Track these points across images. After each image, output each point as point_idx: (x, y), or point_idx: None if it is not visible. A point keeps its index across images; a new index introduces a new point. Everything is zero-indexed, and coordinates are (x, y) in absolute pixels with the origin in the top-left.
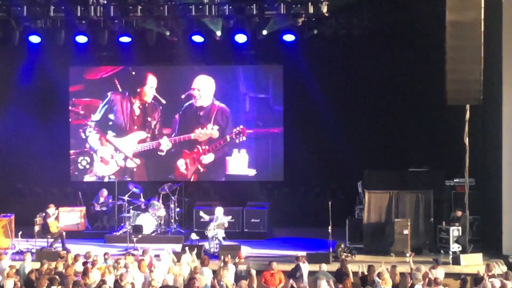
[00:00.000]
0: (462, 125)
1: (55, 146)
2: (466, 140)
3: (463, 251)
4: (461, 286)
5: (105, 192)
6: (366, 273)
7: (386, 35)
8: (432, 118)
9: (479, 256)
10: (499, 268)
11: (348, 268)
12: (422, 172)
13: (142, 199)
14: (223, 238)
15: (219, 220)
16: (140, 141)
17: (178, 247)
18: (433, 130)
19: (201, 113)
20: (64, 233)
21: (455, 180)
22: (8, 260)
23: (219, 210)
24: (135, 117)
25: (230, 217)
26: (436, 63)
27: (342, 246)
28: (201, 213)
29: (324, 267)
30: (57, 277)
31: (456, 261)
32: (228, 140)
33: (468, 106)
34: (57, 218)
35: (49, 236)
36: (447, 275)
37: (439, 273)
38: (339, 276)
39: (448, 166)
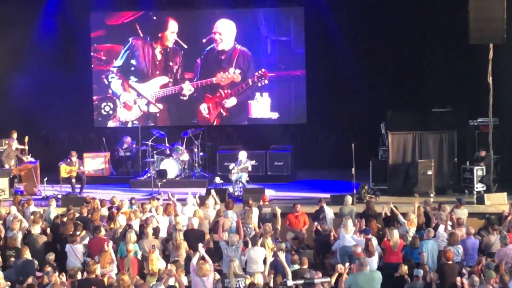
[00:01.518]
0: (486, 65)
1: (78, 92)
2: (490, 80)
3: (487, 190)
4: (485, 225)
5: (128, 138)
6: (389, 214)
7: None
8: (455, 58)
9: (503, 196)
10: None
11: (375, 209)
12: (446, 113)
13: (166, 144)
14: (247, 181)
15: (242, 164)
16: (162, 86)
17: (202, 191)
18: (456, 70)
19: (223, 57)
20: (84, 178)
21: (478, 120)
22: (34, 206)
23: (242, 154)
24: (157, 62)
25: (254, 161)
26: (459, 1)
27: (366, 187)
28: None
29: (349, 206)
30: (81, 222)
31: (481, 200)
32: (250, 83)
33: (491, 45)
34: (74, 164)
35: (74, 182)
36: (472, 214)
37: (462, 213)
38: (365, 217)
39: (471, 106)
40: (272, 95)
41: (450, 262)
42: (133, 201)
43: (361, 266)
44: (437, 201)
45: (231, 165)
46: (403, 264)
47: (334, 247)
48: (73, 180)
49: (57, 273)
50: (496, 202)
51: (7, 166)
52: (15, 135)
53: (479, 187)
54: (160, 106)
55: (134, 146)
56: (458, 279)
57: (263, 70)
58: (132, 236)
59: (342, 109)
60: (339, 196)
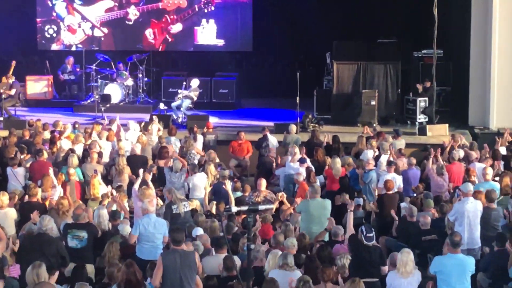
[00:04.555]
0: None
1: (21, 14)
2: (435, 11)
3: (430, 122)
4: (426, 156)
5: (71, 59)
6: (331, 142)
7: None
8: None
9: (445, 127)
10: (464, 138)
11: (320, 138)
12: (390, 43)
13: (111, 68)
14: (189, 108)
15: (190, 91)
16: (108, 9)
17: (146, 117)
18: (402, 1)
19: None
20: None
21: (423, 52)
22: None
23: (194, 82)
24: None
25: (199, 91)
26: None
27: (310, 116)
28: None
29: (293, 135)
30: (24, 145)
31: (423, 131)
32: (197, 9)
33: None
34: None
35: (17, 104)
36: (414, 145)
37: (399, 143)
38: (310, 146)
39: (416, 37)
40: (218, 22)
41: (390, 192)
42: (76, 125)
43: (314, 193)
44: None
45: (180, 91)
46: (344, 193)
47: (277, 172)
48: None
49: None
50: (438, 133)
51: None
52: None
53: (421, 118)
54: (105, 30)
55: (77, 69)
56: (392, 211)
57: None
58: (74, 161)
59: (288, 38)
60: (283, 125)
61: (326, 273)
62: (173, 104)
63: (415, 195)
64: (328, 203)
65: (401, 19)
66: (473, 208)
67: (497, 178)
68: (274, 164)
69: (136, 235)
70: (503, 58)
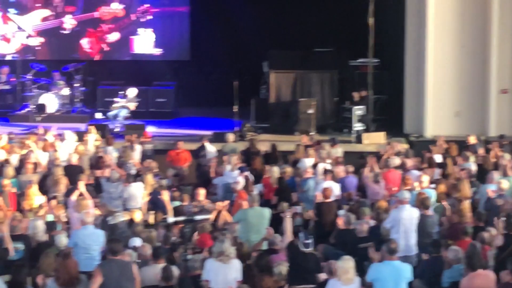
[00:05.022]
0: (367, 5)
1: None
2: (370, 20)
3: (366, 130)
4: (363, 164)
5: (6, 69)
6: (269, 151)
7: None
8: None
9: (381, 135)
10: (400, 146)
11: (258, 147)
12: (327, 52)
13: (47, 78)
14: (126, 118)
15: (126, 101)
16: (43, 19)
17: (82, 127)
18: (338, 10)
19: None
20: None
21: (359, 60)
22: None
23: (131, 91)
24: None
25: (137, 100)
26: None
27: (248, 125)
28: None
29: (231, 144)
30: None
31: (359, 139)
32: (134, 18)
33: None
34: None
35: None
36: (351, 153)
37: (336, 151)
38: (249, 155)
39: (352, 46)
40: (156, 31)
41: (328, 200)
42: (11, 136)
43: (252, 201)
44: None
45: (116, 100)
46: (283, 202)
47: (215, 182)
48: None
49: None
50: (374, 141)
51: None
52: None
53: (358, 126)
54: (41, 39)
55: (12, 79)
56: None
57: (147, 5)
58: (9, 171)
59: (225, 47)
60: (221, 134)
61: (265, 281)
62: (110, 114)
63: (352, 203)
64: (266, 211)
65: (338, 28)
66: (409, 215)
67: (432, 186)
68: (213, 174)
69: (71, 247)
70: (437, 66)
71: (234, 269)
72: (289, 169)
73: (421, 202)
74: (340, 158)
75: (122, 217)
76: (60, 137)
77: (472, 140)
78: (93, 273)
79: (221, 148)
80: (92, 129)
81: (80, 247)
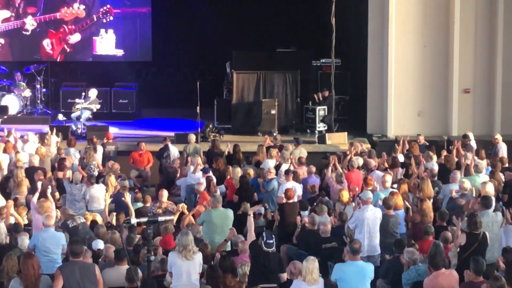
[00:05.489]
0: (329, 5)
1: None
2: (333, 20)
3: (329, 130)
4: (325, 164)
5: None
6: (232, 152)
7: None
8: None
9: (344, 135)
10: (363, 146)
11: (221, 148)
12: (289, 53)
13: (8, 79)
14: (88, 119)
15: (88, 102)
16: (4, 20)
17: (44, 128)
18: (300, 10)
19: None
20: None
21: (321, 61)
22: None
23: (93, 92)
24: None
25: (99, 105)
26: None
27: (211, 126)
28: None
29: (193, 144)
30: None
31: (322, 140)
32: (95, 19)
33: None
34: None
35: None
36: (313, 154)
37: (299, 152)
38: (211, 155)
39: (315, 46)
40: (117, 32)
41: (291, 200)
42: None
43: (216, 202)
44: (282, 141)
45: (78, 101)
46: (246, 202)
47: (178, 183)
48: None
49: None
50: (337, 141)
51: None
52: None
53: (320, 126)
54: (2, 40)
55: None
56: (298, 218)
57: (108, 6)
58: None
59: (188, 47)
60: (184, 135)
61: (228, 282)
62: (73, 115)
63: (315, 204)
64: (230, 212)
65: (300, 28)
66: (372, 215)
67: (395, 185)
68: (178, 175)
69: (32, 249)
70: (400, 67)
71: (198, 264)
72: (251, 170)
73: (384, 202)
74: (303, 159)
75: (80, 219)
76: (22, 138)
77: (422, 140)
78: (54, 276)
79: (183, 148)
80: (54, 130)
81: (40, 250)
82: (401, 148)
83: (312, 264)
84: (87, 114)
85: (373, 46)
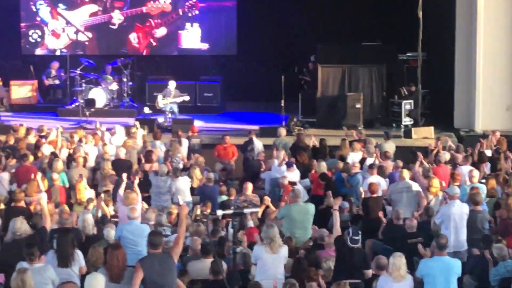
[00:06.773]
0: None
1: (6, 19)
2: (420, 13)
3: (415, 124)
4: (412, 158)
5: (56, 64)
6: (318, 146)
7: None
8: None
9: (430, 129)
10: (450, 141)
11: (305, 141)
12: (375, 46)
13: (96, 73)
14: (176, 112)
15: (172, 93)
16: (92, 14)
17: (131, 121)
18: (386, 3)
19: None
20: None
21: (407, 54)
22: None
23: (172, 84)
24: None
25: (188, 97)
26: None
27: (295, 119)
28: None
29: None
30: (9, 150)
31: (408, 134)
32: (181, 13)
33: None
34: None
35: (1, 109)
36: (399, 148)
37: (389, 146)
38: (296, 149)
39: (401, 40)
40: (203, 26)
41: (375, 195)
42: (60, 130)
43: (295, 197)
44: (367, 135)
45: (159, 95)
46: (329, 195)
47: (262, 176)
48: None
49: None
50: (423, 136)
51: None
52: None
53: (406, 121)
54: (89, 34)
55: (62, 74)
56: (380, 213)
57: (194, 0)
58: (59, 165)
59: (272, 41)
60: (268, 128)
61: (312, 275)
62: (160, 107)
63: None
64: (311, 207)
65: (386, 21)
66: (459, 211)
67: (483, 181)
68: (263, 168)
69: (118, 240)
70: (488, 60)
71: (284, 257)
72: (336, 164)
73: (471, 198)
74: (389, 153)
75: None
76: (110, 131)
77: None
78: (135, 268)
79: (272, 142)
80: (140, 123)
81: (125, 241)
82: (489, 142)
83: (399, 260)
84: (175, 107)
85: (460, 39)
